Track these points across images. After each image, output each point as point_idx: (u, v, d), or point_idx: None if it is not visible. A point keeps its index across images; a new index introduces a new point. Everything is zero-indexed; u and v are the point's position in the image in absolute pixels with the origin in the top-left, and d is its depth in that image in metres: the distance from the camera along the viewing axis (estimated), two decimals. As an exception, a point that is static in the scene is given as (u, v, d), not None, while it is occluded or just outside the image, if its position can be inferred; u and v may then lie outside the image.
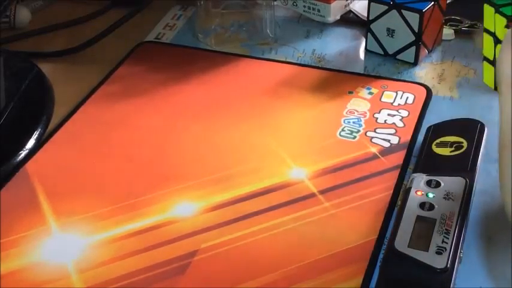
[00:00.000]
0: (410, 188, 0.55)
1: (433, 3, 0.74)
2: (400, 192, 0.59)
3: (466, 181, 0.55)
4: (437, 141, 0.61)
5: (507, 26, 0.63)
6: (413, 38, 0.75)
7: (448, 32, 0.81)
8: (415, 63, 0.76)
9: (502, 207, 0.51)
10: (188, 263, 0.54)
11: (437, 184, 0.55)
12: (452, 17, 0.82)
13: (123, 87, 0.74)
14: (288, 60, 0.78)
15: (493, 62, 0.68)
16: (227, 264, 0.54)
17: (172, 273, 0.53)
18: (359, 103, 0.70)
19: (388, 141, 0.65)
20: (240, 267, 0.53)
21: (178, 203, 0.59)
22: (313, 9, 0.83)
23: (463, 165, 0.57)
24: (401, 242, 0.50)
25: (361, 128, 0.67)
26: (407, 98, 0.71)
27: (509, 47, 0.48)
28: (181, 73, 0.76)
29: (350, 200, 0.59)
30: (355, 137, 0.66)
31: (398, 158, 0.63)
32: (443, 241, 0.50)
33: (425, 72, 0.76)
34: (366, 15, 0.78)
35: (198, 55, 0.80)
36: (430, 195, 0.54)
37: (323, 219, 0.57)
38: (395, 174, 0.61)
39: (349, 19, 0.84)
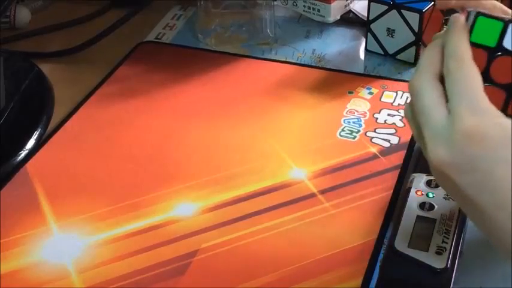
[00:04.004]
0: (410, 188, 0.55)
1: (433, 3, 0.74)
2: (400, 192, 0.59)
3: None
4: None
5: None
6: (413, 38, 0.75)
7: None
8: (415, 63, 0.76)
9: None
10: (188, 263, 0.54)
11: (438, 184, 0.55)
12: (453, 17, 0.82)
13: (123, 87, 0.74)
14: (288, 60, 0.78)
15: None
16: (227, 264, 0.54)
17: (172, 273, 0.53)
18: (359, 103, 0.70)
19: (388, 141, 0.65)
20: (240, 267, 0.53)
21: (179, 203, 0.59)
22: (313, 9, 0.83)
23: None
24: (401, 242, 0.50)
25: (361, 128, 0.67)
26: (407, 98, 0.71)
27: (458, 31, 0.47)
28: (181, 73, 0.76)
29: (350, 200, 0.59)
30: (355, 137, 0.66)
31: (398, 158, 0.63)
32: (443, 241, 0.50)
33: (425, 72, 0.75)
34: (366, 15, 0.78)
35: (198, 55, 0.80)
36: (430, 195, 0.54)
37: (323, 219, 0.57)
38: (395, 174, 0.61)
39: (349, 19, 0.84)
